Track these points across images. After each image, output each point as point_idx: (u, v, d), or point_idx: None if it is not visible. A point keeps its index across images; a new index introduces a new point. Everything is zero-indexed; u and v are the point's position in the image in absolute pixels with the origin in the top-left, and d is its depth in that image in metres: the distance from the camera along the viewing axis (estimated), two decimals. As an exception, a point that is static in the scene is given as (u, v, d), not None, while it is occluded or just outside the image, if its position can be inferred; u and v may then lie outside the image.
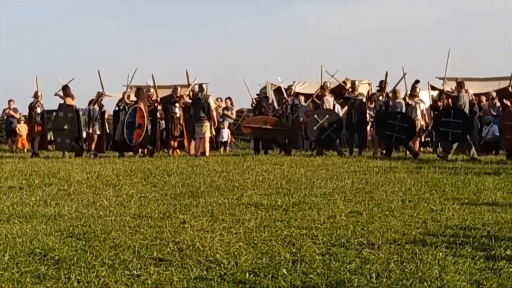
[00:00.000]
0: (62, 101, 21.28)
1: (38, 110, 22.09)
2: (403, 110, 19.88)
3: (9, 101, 27.06)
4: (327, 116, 20.31)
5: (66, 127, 20.86)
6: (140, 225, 8.38)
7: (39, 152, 21.98)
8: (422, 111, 20.73)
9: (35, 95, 22.19)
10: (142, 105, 20.60)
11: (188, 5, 69.27)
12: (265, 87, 22.16)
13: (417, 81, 20.81)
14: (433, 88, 23.15)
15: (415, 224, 8.27)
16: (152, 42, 65.40)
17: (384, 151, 20.43)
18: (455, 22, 64.85)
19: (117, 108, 22.13)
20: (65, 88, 21.26)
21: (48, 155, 21.85)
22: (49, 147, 24.38)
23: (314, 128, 20.32)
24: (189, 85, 22.08)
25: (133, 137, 20.61)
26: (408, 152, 19.91)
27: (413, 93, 20.45)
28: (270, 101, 21.78)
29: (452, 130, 18.90)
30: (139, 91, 21.41)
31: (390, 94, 20.64)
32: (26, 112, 24.70)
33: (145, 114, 20.50)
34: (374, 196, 10.69)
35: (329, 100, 20.91)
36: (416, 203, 9.99)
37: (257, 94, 22.48)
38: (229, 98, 25.15)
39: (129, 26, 68.50)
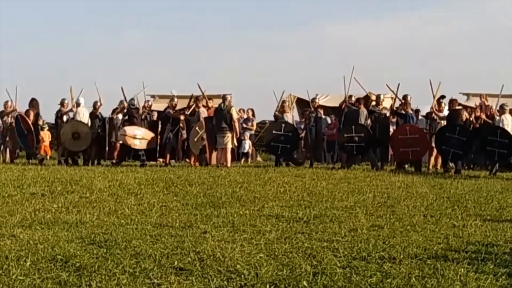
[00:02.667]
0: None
1: (65, 118, 22.20)
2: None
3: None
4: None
5: None
6: (161, 234, 8.39)
7: (67, 159, 22.07)
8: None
9: (62, 103, 22.28)
10: (30, 113, 21.65)
11: (214, 15, 69.37)
12: (133, 98, 22.29)
13: (442, 97, 20.70)
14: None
15: (437, 240, 8.23)
16: (175, 51, 65.53)
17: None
18: (480, 37, 64.51)
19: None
20: None
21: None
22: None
23: (195, 139, 21.11)
24: (204, 96, 22.01)
25: (28, 144, 21.64)
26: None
27: (438, 109, 20.40)
28: (140, 111, 22.03)
29: (356, 144, 19.89)
30: (32, 101, 22.11)
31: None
32: (48, 118, 25.08)
33: (29, 121, 21.26)
34: (396, 211, 10.65)
35: (205, 112, 21.49)
36: (438, 218, 9.95)
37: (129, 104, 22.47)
38: (251, 109, 25.15)
39: (153, 35, 68.62)
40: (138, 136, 21.16)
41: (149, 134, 21.41)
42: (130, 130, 21.18)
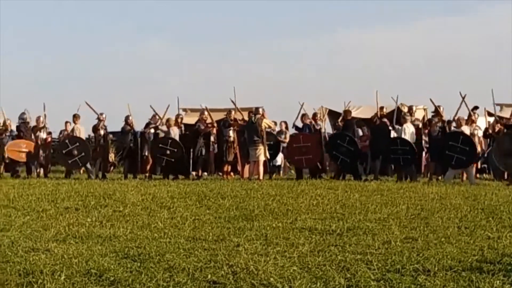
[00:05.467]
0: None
1: (102, 132, 22.43)
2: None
3: (66, 122, 27.20)
4: (77, 144, 21.71)
5: None
6: (194, 247, 8.40)
7: (105, 173, 22.32)
8: (479, 138, 20.61)
9: (98, 117, 22.50)
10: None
11: (249, 25, 69.51)
12: (24, 113, 22.81)
13: (475, 107, 20.66)
14: (490, 114, 22.89)
15: (472, 251, 8.15)
16: (206, 63, 65.67)
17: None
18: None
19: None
20: None
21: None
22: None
23: (64, 151, 21.76)
24: (237, 110, 22.11)
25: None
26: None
27: (471, 120, 20.34)
28: (29, 126, 22.69)
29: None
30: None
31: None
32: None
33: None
34: (430, 222, 10.57)
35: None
36: (472, 230, 9.85)
37: (19, 119, 23.02)
38: (284, 122, 25.08)
39: (182, 47, 68.86)
40: (24, 149, 22.02)
41: (33, 145, 22.34)
42: (14, 145, 22.17)
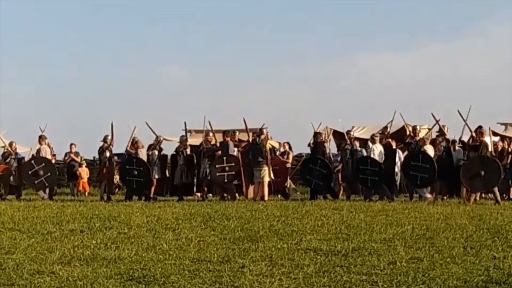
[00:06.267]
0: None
1: (107, 153, 22.44)
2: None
3: (71, 144, 27.20)
4: (43, 164, 22.05)
5: None
6: (199, 269, 8.40)
7: (110, 195, 22.29)
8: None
9: (105, 139, 22.51)
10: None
11: (249, 48, 69.72)
12: None
13: (479, 127, 20.64)
14: (495, 134, 22.90)
15: (477, 272, 8.13)
16: (212, 85, 65.83)
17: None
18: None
19: (174, 152, 22.41)
20: None
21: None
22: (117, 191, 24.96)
23: (30, 172, 22.01)
24: (247, 131, 22.18)
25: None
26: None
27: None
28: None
29: (227, 173, 21.14)
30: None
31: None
32: (86, 155, 25.34)
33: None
34: (435, 243, 10.55)
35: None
36: (478, 250, 9.83)
37: None
38: (287, 143, 25.09)
39: (189, 69, 69.10)
40: None
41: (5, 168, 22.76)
42: None
